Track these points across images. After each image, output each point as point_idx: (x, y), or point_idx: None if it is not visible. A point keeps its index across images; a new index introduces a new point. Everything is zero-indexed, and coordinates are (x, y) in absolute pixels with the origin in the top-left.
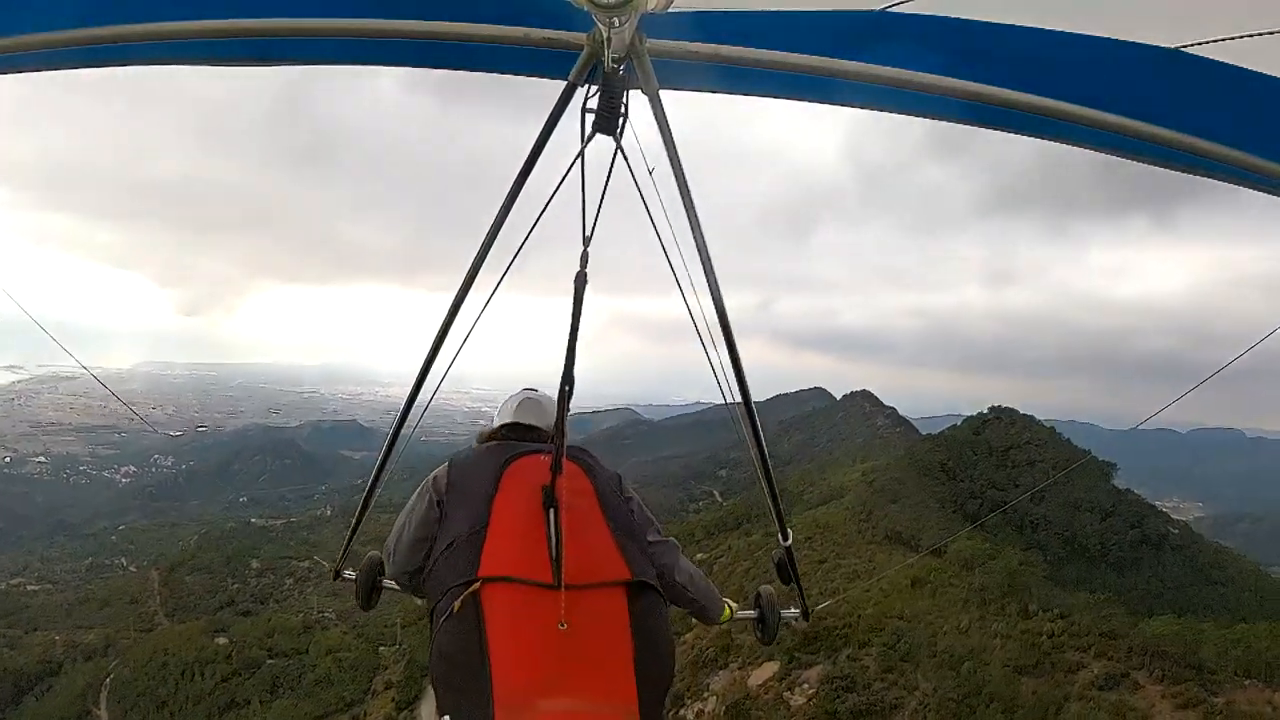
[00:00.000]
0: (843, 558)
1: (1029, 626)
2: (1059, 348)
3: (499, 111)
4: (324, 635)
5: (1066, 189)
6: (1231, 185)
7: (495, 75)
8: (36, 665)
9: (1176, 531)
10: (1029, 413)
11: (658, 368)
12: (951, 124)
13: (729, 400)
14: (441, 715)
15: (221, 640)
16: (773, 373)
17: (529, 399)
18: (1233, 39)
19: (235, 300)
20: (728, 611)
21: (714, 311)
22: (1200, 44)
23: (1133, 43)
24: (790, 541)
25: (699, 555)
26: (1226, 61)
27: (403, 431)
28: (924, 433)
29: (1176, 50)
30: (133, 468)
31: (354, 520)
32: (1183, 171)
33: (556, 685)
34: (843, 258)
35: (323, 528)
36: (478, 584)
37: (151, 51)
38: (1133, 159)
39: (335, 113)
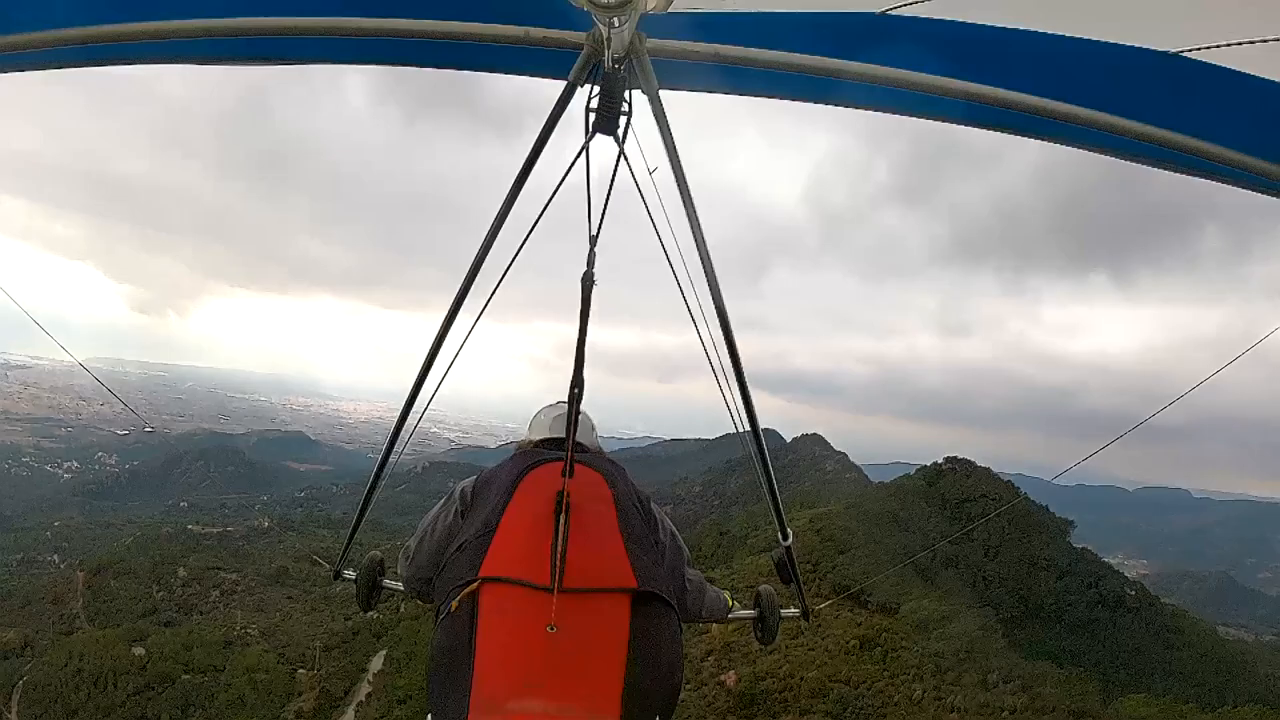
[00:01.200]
0: (784, 606)
1: (989, 700)
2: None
3: (460, 130)
4: (243, 653)
5: (1024, 243)
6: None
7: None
8: None
9: (1133, 593)
10: (983, 464)
11: (608, 401)
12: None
13: (729, 400)
14: (428, 712)
15: (139, 650)
16: (721, 411)
17: (560, 413)
18: (1232, 45)
19: (188, 302)
20: (729, 599)
21: (714, 311)
22: (1200, 49)
23: (1132, 46)
24: (790, 541)
25: None
26: (1227, 66)
27: (403, 430)
28: (874, 479)
29: (1176, 54)
30: (76, 464)
31: (354, 520)
32: (1183, 172)
33: (534, 687)
34: (797, 300)
35: (258, 539)
36: (476, 583)
37: (151, 51)
38: (1133, 160)
39: (299, 125)
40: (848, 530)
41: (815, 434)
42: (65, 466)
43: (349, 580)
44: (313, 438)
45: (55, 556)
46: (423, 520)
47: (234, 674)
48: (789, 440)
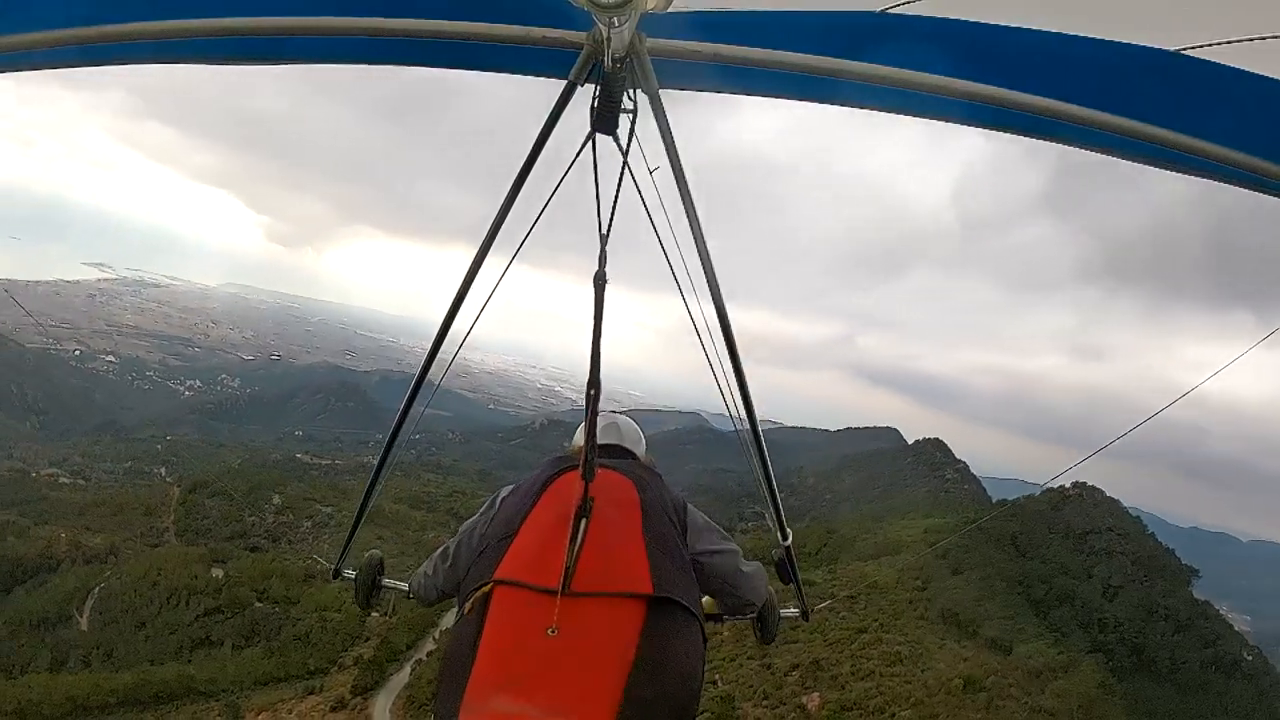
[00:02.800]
0: (886, 631)
1: None
2: (1137, 432)
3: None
4: (320, 589)
5: (1173, 272)
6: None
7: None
8: (36, 558)
9: (1250, 658)
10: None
11: (733, 379)
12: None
13: (728, 400)
14: (432, 712)
15: (218, 572)
16: (845, 406)
17: (608, 422)
18: (1234, 42)
19: (324, 241)
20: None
21: (714, 312)
22: (1201, 47)
23: (1134, 44)
24: (790, 541)
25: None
26: (1227, 64)
27: (401, 431)
28: (990, 493)
29: (1177, 53)
30: (198, 383)
31: (354, 519)
32: (1183, 173)
33: (524, 689)
34: (932, 303)
35: (363, 476)
36: (489, 586)
37: (151, 51)
38: (1133, 160)
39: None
40: (964, 549)
41: (937, 439)
42: (187, 385)
43: (348, 579)
44: (435, 383)
45: (162, 469)
46: (463, 526)
47: (306, 609)
48: (910, 442)
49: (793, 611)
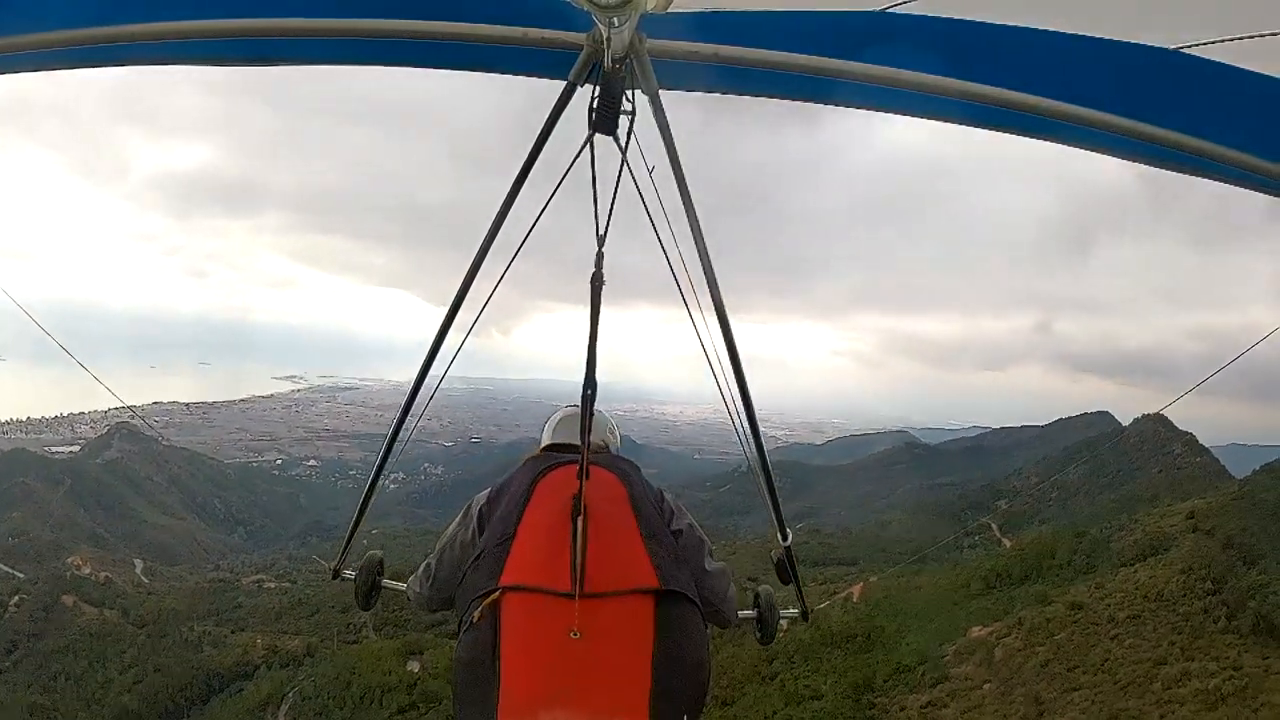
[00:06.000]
0: (1190, 657)
1: None
2: None
3: (757, 117)
4: None
5: None
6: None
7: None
8: (232, 667)
9: None
10: None
11: (935, 390)
12: None
13: (727, 399)
14: None
15: (413, 666)
16: (1052, 397)
17: (572, 416)
18: (1231, 40)
19: (508, 321)
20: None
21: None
22: (1199, 45)
23: (1132, 43)
24: (789, 541)
25: (975, 629)
26: (1226, 62)
27: (403, 431)
28: (1223, 463)
29: (1175, 51)
30: (402, 475)
31: (354, 518)
32: (1183, 172)
33: (562, 696)
34: (1124, 275)
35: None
36: (498, 593)
37: (151, 51)
38: (1133, 159)
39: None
40: (1247, 531)
41: (1158, 414)
42: (392, 478)
43: (348, 579)
44: (639, 442)
45: None
46: (440, 537)
47: None
48: (1124, 423)
49: (792, 612)
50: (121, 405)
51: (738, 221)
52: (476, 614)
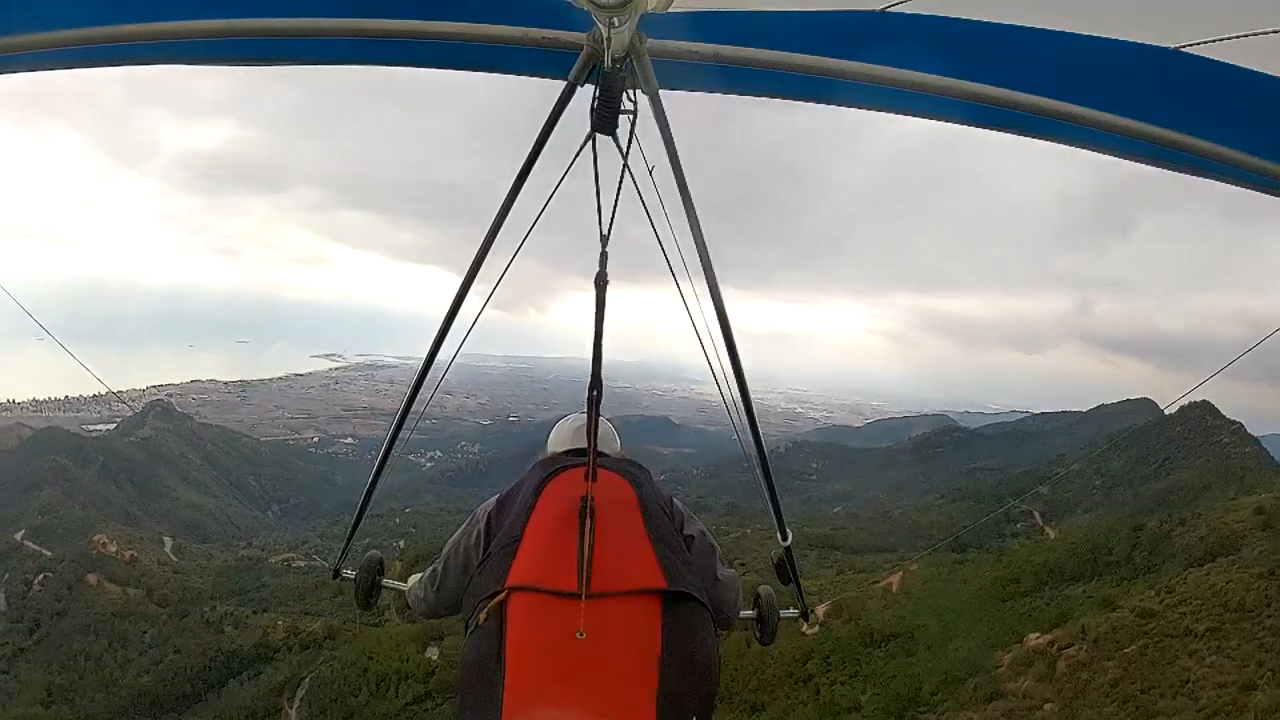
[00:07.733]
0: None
1: None
2: None
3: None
4: None
5: None
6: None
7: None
8: (252, 649)
9: None
10: None
11: (973, 373)
12: None
13: (727, 399)
14: None
15: (432, 653)
16: (1092, 381)
17: (582, 424)
18: (1232, 38)
19: (544, 298)
20: None
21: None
22: (1199, 44)
23: (1132, 42)
24: (789, 542)
25: (1032, 636)
26: (1225, 61)
27: (400, 435)
28: (1271, 453)
29: (1175, 50)
30: (439, 453)
31: (354, 518)
32: (1183, 172)
33: (566, 696)
34: (1158, 253)
35: None
36: (504, 593)
37: (151, 51)
38: (1133, 159)
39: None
40: None
41: (1205, 401)
42: (427, 456)
43: (348, 579)
44: (676, 422)
45: (401, 542)
46: (446, 544)
47: None
48: (1165, 409)
49: (792, 612)
50: (147, 386)
51: (763, 194)
52: (482, 615)
